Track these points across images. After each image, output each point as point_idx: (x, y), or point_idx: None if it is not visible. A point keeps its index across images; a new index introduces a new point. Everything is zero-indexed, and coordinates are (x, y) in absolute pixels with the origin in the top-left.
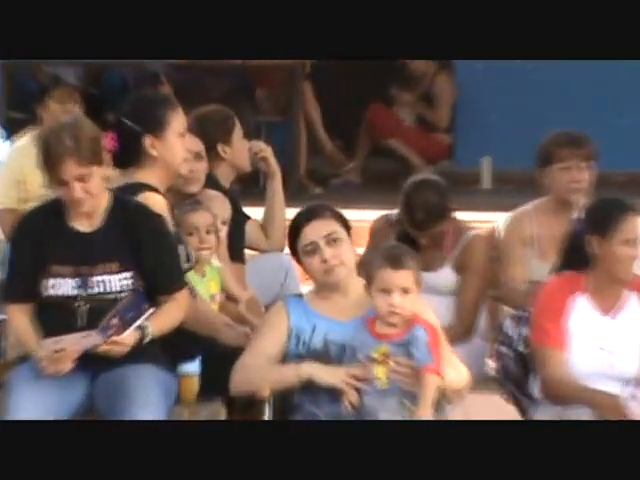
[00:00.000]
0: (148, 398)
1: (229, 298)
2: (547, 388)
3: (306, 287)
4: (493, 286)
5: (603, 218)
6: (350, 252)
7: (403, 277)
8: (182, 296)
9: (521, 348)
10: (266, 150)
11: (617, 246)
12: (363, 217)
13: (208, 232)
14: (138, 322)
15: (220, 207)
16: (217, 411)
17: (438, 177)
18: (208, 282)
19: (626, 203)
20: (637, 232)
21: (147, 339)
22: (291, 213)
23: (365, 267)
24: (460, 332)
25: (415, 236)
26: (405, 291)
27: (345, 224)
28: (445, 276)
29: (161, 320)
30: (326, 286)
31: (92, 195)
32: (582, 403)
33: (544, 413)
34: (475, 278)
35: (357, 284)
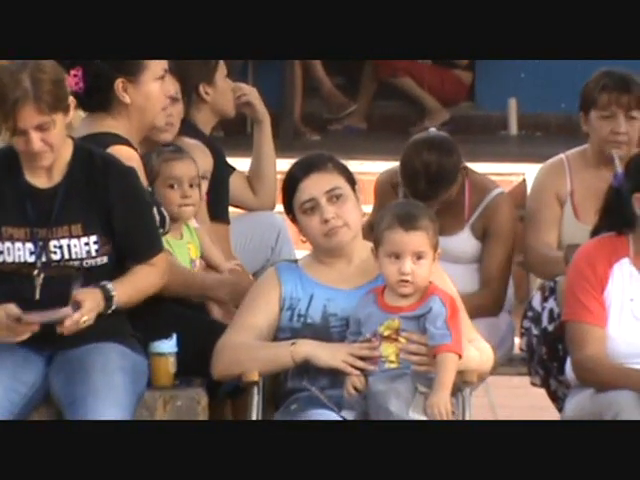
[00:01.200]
0: (112, 385)
1: (210, 266)
2: (581, 370)
3: (301, 252)
4: (521, 252)
5: (634, 168)
6: (355, 211)
7: (416, 239)
8: (160, 260)
9: (548, 325)
10: (251, 92)
11: None
12: (368, 169)
13: (192, 185)
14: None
15: (201, 159)
16: (197, 397)
17: (442, 133)
18: (186, 245)
19: None
20: None
21: (112, 307)
22: (283, 165)
23: (373, 228)
24: (484, 305)
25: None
26: (419, 256)
27: (349, 178)
28: (464, 241)
29: (131, 285)
30: (327, 250)
31: (53, 147)
32: (620, 386)
33: (577, 398)
34: (500, 243)
35: (363, 248)
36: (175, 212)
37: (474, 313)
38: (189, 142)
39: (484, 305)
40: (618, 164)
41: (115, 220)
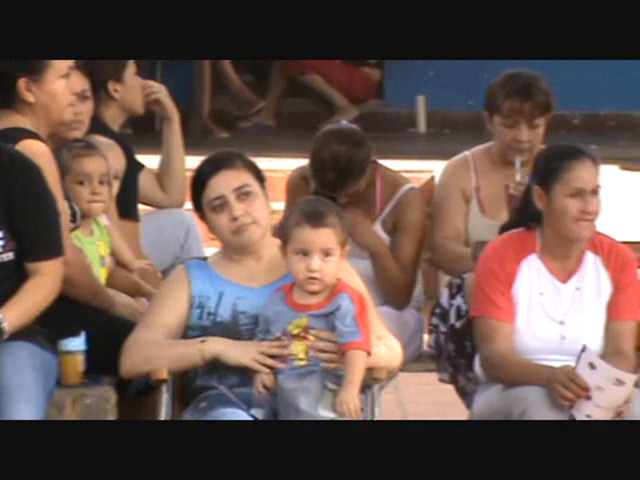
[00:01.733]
0: (23, 383)
1: (120, 264)
2: (489, 366)
3: (210, 249)
4: (429, 249)
5: (545, 167)
6: (264, 208)
7: (324, 236)
8: (54, 268)
9: (456, 322)
10: (161, 90)
11: (560, 198)
12: (277, 166)
13: (101, 182)
14: None
15: (113, 159)
16: (106, 395)
17: (353, 126)
18: (96, 242)
19: (574, 149)
20: (585, 183)
21: (4, 336)
22: (192, 162)
23: (281, 225)
24: (393, 302)
25: (330, 196)
26: (327, 253)
27: (259, 176)
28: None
29: (22, 306)
30: (236, 248)
31: None
32: (528, 382)
33: (486, 393)
34: (410, 238)
35: (272, 246)
36: (84, 208)
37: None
38: (102, 141)
39: (388, 304)
40: (519, 169)
41: (15, 215)
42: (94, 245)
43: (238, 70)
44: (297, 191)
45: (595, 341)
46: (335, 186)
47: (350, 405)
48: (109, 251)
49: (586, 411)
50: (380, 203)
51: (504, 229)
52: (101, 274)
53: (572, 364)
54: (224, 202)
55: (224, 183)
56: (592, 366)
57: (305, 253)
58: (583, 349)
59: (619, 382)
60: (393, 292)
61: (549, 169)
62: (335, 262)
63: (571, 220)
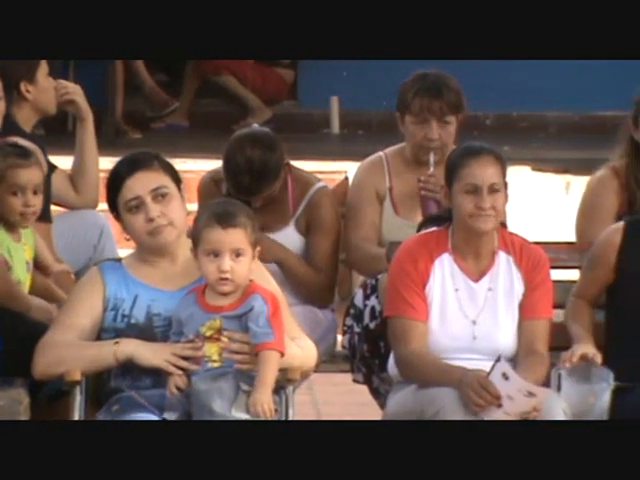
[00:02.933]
0: None
1: (37, 267)
2: (404, 366)
3: (124, 250)
4: (343, 249)
5: (448, 165)
6: (180, 210)
7: (235, 237)
8: None
9: (370, 322)
10: (75, 90)
11: (457, 195)
12: (191, 167)
13: (35, 192)
14: None
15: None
16: (18, 397)
17: (266, 129)
18: (23, 247)
19: (475, 147)
20: (480, 179)
21: None
22: (105, 163)
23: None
24: (315, 303)
25: (245, 200)
26: (237, 254)
27: (175, 177)
28: (289, 237)
29: None
30: (151, 249)
31: None
32: (442, 382)
33: (401, 393)
34: (325, 236)
35: (187, 247)
36: (15, 220)
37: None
38: (28, 145)
39: (316, 288)
40: (433, 166)
41: None
42: (21, 251)
43: (151, 71)
44: (209, 194)
45: (507, 340)
46: (250, 190)
47: (264, 406)
48: (33, 255)
49: (495, 417)
50: (293, 204)
51: (418, 228)
52: (27, 279)
53: (485, 365)
54: (140, 203)
55: (141, 184)
56: (505, 377)
57: (216, 254)
58: (498, 359)
59: (531, 394)
60: (312, 294)
61: (450, 167)
62: (246, 262)
63: (467, 216)
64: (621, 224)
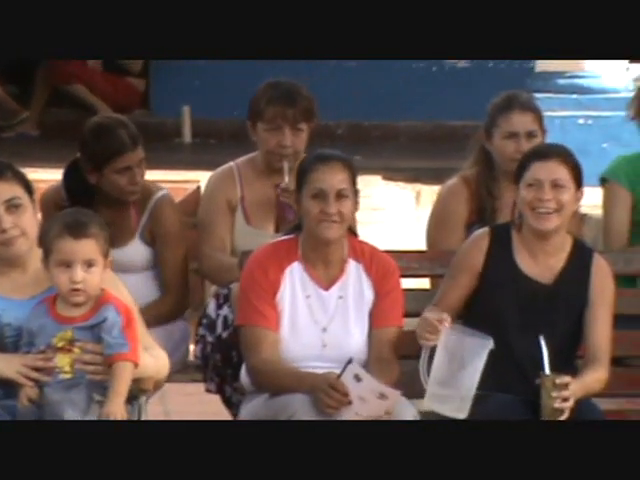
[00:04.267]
0: None
1: None
2: (256, 374)
3: None
4: (195, 259)
5: (298, 172)
6: (32, 221)
7: (86, 247)
8: None
9: (223, 332)
10: None
11: (305, 200)
12: (42, 177)
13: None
14: None
15: None
16: None
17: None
18: None
19: (324, 154)
20: (326, 184)
21: None
22: None
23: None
24: (166, 311)
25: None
26: (89, 264)
27: (28, 187)
28: (135, 250)
29: None
30: (2, 259)
31: None
32: (294, 389)
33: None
34: (171, 246)
35: (38, 257)
36: None
37: (156, 321)
38: None
39: (166, 311)
40: (287, 174)
41: None
42: None
43: (1, 80)
44: (50, 210)
45: (358, 348)
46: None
47: (117, 416)
48: None
49: (347, 418)
50: (135, 215)
51: (272, 237)
52: None
53: (335, 371)
54: None
55: None
56: (358, 378)
57: (67, 264)
58: (350, 361)
59: (382, 396)
60: (164, 318)
61: (300, 173)
62: (98, 273)
63: (313, 221)
64: (487, 230)
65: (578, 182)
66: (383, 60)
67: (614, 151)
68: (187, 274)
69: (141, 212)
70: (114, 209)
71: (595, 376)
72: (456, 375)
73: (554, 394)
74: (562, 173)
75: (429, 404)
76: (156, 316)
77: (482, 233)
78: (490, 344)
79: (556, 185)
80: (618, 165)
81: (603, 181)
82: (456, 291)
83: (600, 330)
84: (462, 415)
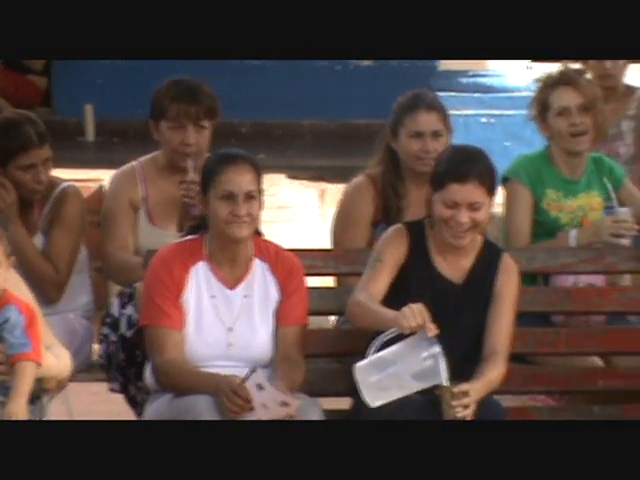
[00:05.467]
0: None
1: None
2: (160, 374)
3: None
4: (99, 258)
5: (204, 172)
6: None
7: None
8: None
9: (127, 331)
10: None
11: (213, 201)
12: None
13: None
14: None
15: None
16: None
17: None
18: None
19: (230, 154)
20: (236, 186)
21: None
22: None
23: None
24: (45, 298)
25: None
26: None
27: None
28: (38, 245)
29: None
30: None
31: None
32: (198, 390)
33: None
34: (64, 236)
35: None
36: None
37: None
38: None
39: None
40: (191, 171)
41: None
42: None
43: None
44: None
45: (263, 347)
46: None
47: (18, 416)
48: None
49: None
50: (38, 210)
51: (178, 236)
52: None
53: (241, 372)
54: None
55: None
56: (260, 387)
57: None
58: (253, 370)
59: (284, 404)
60: (44, 291)
61: (207, 173)
62: (2, 274)
63: (222, 222)
64: (402, 226)
65: (493, 192)
66: (288, 60)
67: (516, 150)
68: (72, 268)
69: (43, 206)
70: (17, 206)
71: (495, 372)
72: (396, 370)
73: (454, 403)
74: (479, 195)
75: (359, 373)
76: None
77: (400, 228)
78: (434, 350)
79: (473, 207)
80: (519, 164)
81: (504, 180)
82: (384, 278)
83: (500, 326)
84: (372, 404)
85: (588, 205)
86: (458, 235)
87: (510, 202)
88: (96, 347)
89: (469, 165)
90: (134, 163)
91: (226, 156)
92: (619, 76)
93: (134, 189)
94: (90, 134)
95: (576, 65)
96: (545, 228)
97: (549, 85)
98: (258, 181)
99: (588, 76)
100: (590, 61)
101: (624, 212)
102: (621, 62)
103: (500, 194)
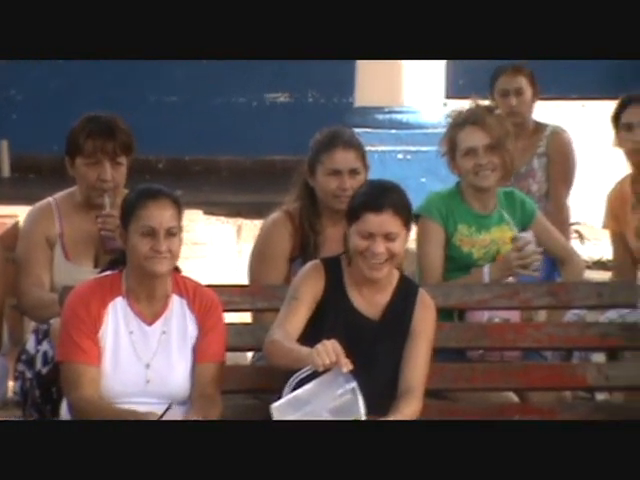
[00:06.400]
0: None
1: None
2: (76, 411)
3: None
4: (14, 295)
5: (124, 208)
6: None
7: None
8: None
9: (42, 367)
10: None
11: (133, 236)
12: None
13: None
14: None
15: None
16: None
17: None
18: None
19: (151, 190)
20: (156, 222)
21: None
22: None
23: None
24: None
25: None
26: None
27: None
28: None
29: None
30: None
31: None
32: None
33: None
34: None
35: None
36: None
37: None
38: None
39: None
40: (108, 207)
41: None
42: None
43: None
44: None
45: (181, 383)
46: None
47: None
48: None
49: None
50: None
51: (96, 272)
52: None
53: (158, 409)
54: None
55: None
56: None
57: None
58: (169, 407)
59: None
60: None
61: (127, 208)
62: None
63: (142, 257)
64: (319, 262)
65: (408, 225)
66: (203, 96)
67: (432, 185)
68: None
69: None
70: None
71: (410, 409)
72: (312, 409)
73: None
74: (394, 226)
75: (276, 413)
76: None
77: (317, 264)
78: (349, 385)
79: (388, 238)
80: (430, 201)
81: (417, 217)
82: (301, 314)
83: (416, 362)
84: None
85: (501, 239)
86: (374, 267)
87: (422, 238)
88: (11, 384)
89: (384, 195)
90: (50, 199)
91: (148, 191)
92: (525, 113)
93: (50, 225)
94: (5, 170)
95: (485, 102)
96: (458, 263)
97: (458, 124)
98: (179, 217)
99: (498, 111)
100: (497, 99)
101: (525, 236)
102: (527, 99)
103: (414, 230)
